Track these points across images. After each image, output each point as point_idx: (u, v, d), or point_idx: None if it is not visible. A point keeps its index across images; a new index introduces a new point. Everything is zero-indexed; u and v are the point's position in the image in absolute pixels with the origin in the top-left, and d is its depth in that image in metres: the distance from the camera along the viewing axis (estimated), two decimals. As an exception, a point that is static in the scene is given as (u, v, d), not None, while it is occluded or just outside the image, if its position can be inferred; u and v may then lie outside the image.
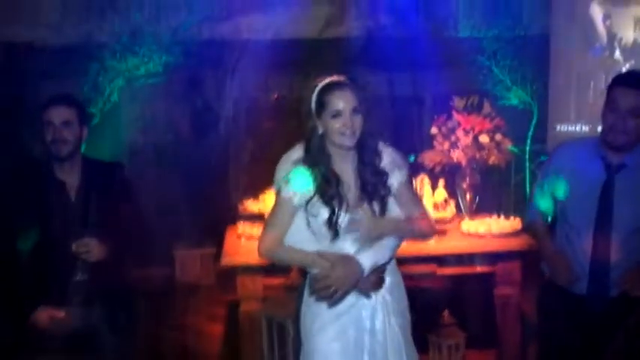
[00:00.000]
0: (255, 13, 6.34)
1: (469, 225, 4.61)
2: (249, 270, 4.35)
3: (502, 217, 4.75)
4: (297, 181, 2.69)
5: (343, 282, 2.66)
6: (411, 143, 6.23)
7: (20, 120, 5.79)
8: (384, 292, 2.81)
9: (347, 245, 2.75)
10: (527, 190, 6.83)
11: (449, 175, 4.95)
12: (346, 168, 2.76)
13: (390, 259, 2.84)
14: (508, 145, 4.94)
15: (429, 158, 4.93)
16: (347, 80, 2.73)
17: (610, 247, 3.01)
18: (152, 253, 4.68)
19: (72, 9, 6.15)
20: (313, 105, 2.68)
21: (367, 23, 6.70)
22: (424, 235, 2.96)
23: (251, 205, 4.97)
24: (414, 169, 4.96)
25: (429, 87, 7.24)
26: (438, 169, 4.91)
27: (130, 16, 6.17)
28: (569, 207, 3.13)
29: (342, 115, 2.64)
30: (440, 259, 4.48)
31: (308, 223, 2.74)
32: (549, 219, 3.38)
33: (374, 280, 2.76)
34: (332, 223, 2.69)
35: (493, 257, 4.50)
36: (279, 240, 2.76)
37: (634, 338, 3.04)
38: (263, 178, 6.45)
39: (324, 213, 2.69)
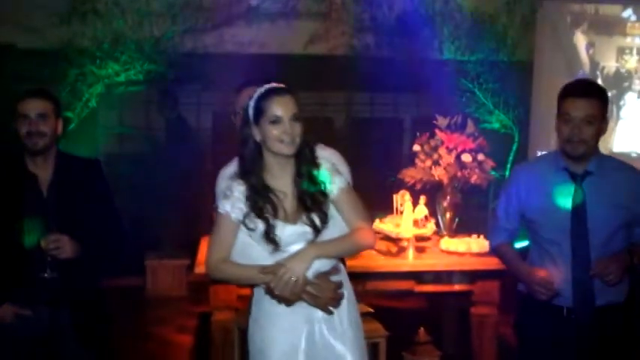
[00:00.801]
0: (240, 26, 6.31)
1: (449, 243, 4.56)
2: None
3: (482, 237, 4.70)
4: (232, 195, 2.60)
5: (299, 268, 2.53)
6: (391, 162, 6.21)
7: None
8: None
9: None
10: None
11: (429, 193, 4.90)
12: (284, 178, 2.66)
13: (339, 257, 2.73)
14: (490, 166, 4.91)
15: (409, 175, 4.88)
16: (286, 87, 2.64)
17: (589, 255, 2.98)
18: (124, 260, 4.62)
19: (54, 13, 6.06)
20: (251, 111, 2.59)
21: (351, 42, 6.70)
22: (362, 249, 2.82)
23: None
24: (395, 186, 4.94)
25: (409, 108, 7.26)
26: (418, 186, 4.86)
27: (112, 23, 6.10)
28: (541, 223, 3.10)
29: (281, 122, 2.55)
30: (418, 276, 4.42)
31: (251, 237, 2.63)
32: (514, 242, 3.35)
33: (332, 295, 2.65)
34: (268, 236, 2.58)
35: (472, 276, 4.44)
36: (224, 258, 2.65)
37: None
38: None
39: (260, 226, 2.59)
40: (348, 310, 2.72)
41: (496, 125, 6.54)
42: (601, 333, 3.01)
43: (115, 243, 3.33)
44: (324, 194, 2.66)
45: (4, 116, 3.27)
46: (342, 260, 2.83)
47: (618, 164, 3.15)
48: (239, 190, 2.60)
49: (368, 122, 7.67)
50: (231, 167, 2.78)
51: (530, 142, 6.63)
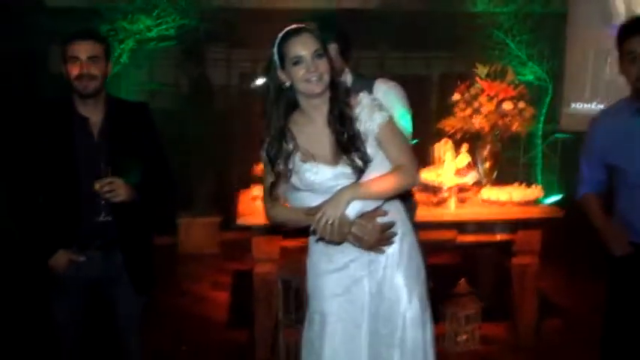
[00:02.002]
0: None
1: (490, 192, 4.52)
2: (264, 231, 4.24)
3: (523, 185, 4.66)
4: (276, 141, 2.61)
5: (333, 211, 2.49)
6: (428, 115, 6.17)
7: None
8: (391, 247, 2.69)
9: None
10: (539, 168, 6.78)
11: (468, 142, 4.83)
12: (320, 120, 2.64)
13: (380, 198, 2.65)
14: (530, 114, 4.84)
15: (449, 125, 4.82)
16: (304, 26, 2.60)
17: None
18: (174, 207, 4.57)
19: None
20: (276, 58, 2.57)
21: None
22: (402, 187, 2.70)
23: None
24: (435, 136, 4.89)
25: (441, 62, 7.17)
26: (458, 135, 4.81)
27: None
28: (626, 168, 3.07)
29: (303, 61, 2.51)
30: (460, 226, 4.38)
31: (298, 180, 2.64)
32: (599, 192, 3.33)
33: (378, 236, 2.62)
34: (317, 178, 2.58)
35: (514, 226, 4.41)
36: (277, 202, 2.71)
37: None
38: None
39: (307, 169, 2.60)
40: (400, 247, 2.70)
41: (530, 77, 6.44)
42: None
43: (166, 188, 3.31)
44: (362, 133, 2.61)
45: (40, 75, 3.22)
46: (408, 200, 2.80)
47: None
48: (279, 135, 2.61)
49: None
50: None
51: (564, 94, 6.55)
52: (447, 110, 4.95)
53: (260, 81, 7.26)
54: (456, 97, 4.88)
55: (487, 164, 4.84)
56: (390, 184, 2.60)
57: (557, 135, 6.81)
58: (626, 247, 3.03)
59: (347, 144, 2.59)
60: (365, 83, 3.07)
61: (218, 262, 6.34)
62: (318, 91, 2.56)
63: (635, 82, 2.95)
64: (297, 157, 2.61)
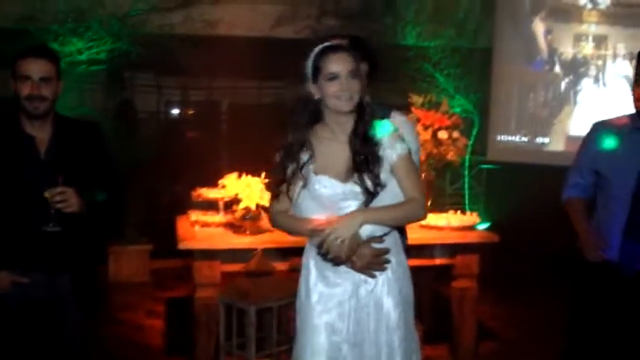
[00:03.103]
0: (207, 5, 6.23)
1: (428, 218, 4.57)
2: (206, 255, 4.20)
3: (459, 212, 4.78)
4: (294, 148, 2.65)
5: (345, 230, 2.51)
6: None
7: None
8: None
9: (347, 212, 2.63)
10: (466, 197, 6.95)
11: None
12: (342, 136, 2.65)
13: (389, 226, 2.74)
14: (464, 144, 4.99)
15: (386, 152, 4.90)
16: (345, 44, 2.66)
17: None
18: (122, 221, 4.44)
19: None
20: (309, 70, 2.59)
21: (314, 24, 6.70)
22: (412, 220, 2.80)
23: (206, 193, 4.82)
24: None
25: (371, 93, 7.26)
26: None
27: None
28: (612, 178, 3.18)
29: (338, 78, 2.55)
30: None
31: (307, 192, 2.66)
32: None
33: (373, 261, 2.63)
34: (327, 192, 2.61)
35: (452, 250, 4.51)
36: (283, 209, 2.71)
37: None
38: (211, 169, 6.45)
39: (318, 181, 2.62)
40: (394, 279, 2.70)
41: (457, 110, 6.59)
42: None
43: (116, 203, 3.22)
44: (380, 158, 2.63)
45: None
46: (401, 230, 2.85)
47: None
48: (298, 143, 2.64)
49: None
50: None
51: (490, 126, 6.77)
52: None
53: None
54: (393, 125, 4.97)
55: (423, 191, 4.93)
56: (402, 214, 2.66)
57: (483, 166, 7.01)
58: (599, 255, 3.11)
59: (362, 164, 2.61)
60: (382, 110, 3.04)
61: (150, 290, 6.21)
62: (347, 109, 2.58)
63: (635, 102, 3.10)
64: (310, 168, 2.63)
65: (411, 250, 4.41)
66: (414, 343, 2.79)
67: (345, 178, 2.62)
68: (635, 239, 3.08)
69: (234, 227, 4.39)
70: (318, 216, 2.60)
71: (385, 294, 2.67)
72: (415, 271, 4.87)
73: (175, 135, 7.80)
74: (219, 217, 4.52)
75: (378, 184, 2.63)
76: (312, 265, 2.73)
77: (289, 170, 2.64)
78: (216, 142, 7.65)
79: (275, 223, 2.78)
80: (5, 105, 3.09)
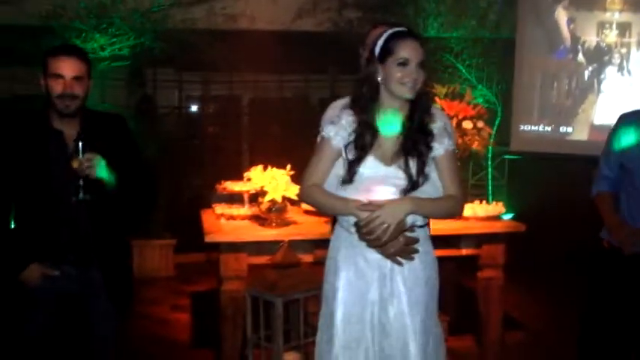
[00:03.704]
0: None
1: (453, 208, 4.59)
2: (232, 248, 4.21)
3: (484, 202, 4.76)
4: (339, 122, 2.64)
5: (392, 217, 2.52)
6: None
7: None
8: (407, 267, 2.67)
9: (381, 197, 2.62)
10: (489, 188, 6.92)
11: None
12: (395, 121, 2.65)
13: (427, 216, 2.73)
14: (488, 133, 4.97)
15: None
16: (417, 33, 2.67)
17: None
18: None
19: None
20: (378, 50, 2.59)
21: (335, 17, 6.69)
22: (452, 216, 2.86)
23: (232, 186, 4.83)
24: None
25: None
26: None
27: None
28: (635, 170, 3.16)
29: (408, 65, 2.55)
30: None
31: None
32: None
33: (402, 248, 2.63)
34: (349, 168, 2.61)
35: (478, 240, 4.48)
36: (319, 182, 2.69)
37: None
38: (233, 163, 6.46)
39: (357, 159, 2.61)
40: (422, 267, 2.71)
41: (479, 100, 6.56)
42: None
43: (146, 187, 3.22)
44: (428, 147, 2.64)
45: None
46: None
47: None
48: (347, 119, 2.64)
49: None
50: (344, 100, 2.86)
51: (513, 116, 6.73)
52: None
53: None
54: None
55: (448, 182, 4.92)
56: (445, 210, 2.72)
57: (506, 156, 6.97)
58: (635, 246, 3.08)
59: (412, 149, 2.62)
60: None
61: (174, 284, 6.25)
62: (410, 96, 2.59)
63: None
64: (354, 146, 2.62)
65: (437, 241, 4.39)
66: (436, 328, 2.78)
67: (389, 162, 2.63)
68: None
69: (260, 220, 4.39)
70: (349, 196, 2.60)
71: (412, 288, 2.67)
72: (440, 262, 4.99)
73: (197, 130, 7.83)
74: (245, 210, 4.52)
75: (422, 173, 2.64)
76: (342, 248, 2.72)
77: (338, 143, 2.63)
78: (237, 136, 7.68)
79: (306, 196, 2.74)
80: (30, 102, 3.11)
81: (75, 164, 2.86)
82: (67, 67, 2.94)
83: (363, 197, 2.59)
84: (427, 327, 2.70)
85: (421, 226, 2.69)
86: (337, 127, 2.64)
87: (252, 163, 4.57)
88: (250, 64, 6.65)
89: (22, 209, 3.03)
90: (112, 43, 5.90)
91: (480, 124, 4.91)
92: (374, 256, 2.65)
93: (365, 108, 2.63)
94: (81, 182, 2.90)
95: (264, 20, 6.35)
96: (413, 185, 2.61)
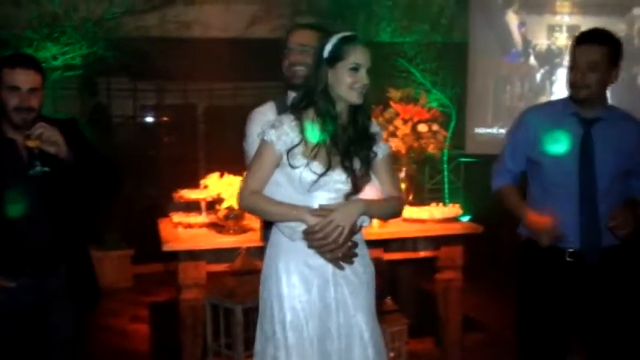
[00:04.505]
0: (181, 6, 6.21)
1: (411, 211, 4.63)
2: (191, 256, 4.18)
3: (441, 204, 4.80)
4: (281, 127, 2.58)
5: (346, 219, 2.52)
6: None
7: None
8: (349, 270, 2.65)
9: (321, 202, 2.60)
10: (446, 191, 6.99)
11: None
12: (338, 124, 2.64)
13: (374, 217, 2.77)
14: (443, 136, 5.02)
15: (367, 148, 4.92)
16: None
17: (596, 197, 3.06)
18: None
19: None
20: (327, 54, 2.57)
21: (288, 23, 6.68)
22: (396, 216, 2.88)
23: (188, 194, 4.80)
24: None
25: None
26: (375, 158, 4.91)
27: (46, 5, 5.86)
28: (548, 165, 3.15)
29: (359, 71, 2.55)
30: (384, 245, 4.45)
31: (285, 176, 2.61)
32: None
33: (346, 252, 2.61)
34: (311, 176, 2.56)
35: (436, 242, 4.53)
36: (260, 187, 2.63)
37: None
38: (189, 172, 6.41)
39: (302, 164, 2.57)
40: (363, 271, 2.71)
41: (434, 104, 6.61)
42: (606, 275, 3.10)
43: (105, 167, 3.10)
44: (371, 149, 2.66)
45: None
46: None
47: (626, 114, 3.21)
48: (290, 124, 2.58)
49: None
50: (268, 105, 2.95)
51: (467, 119, 6.81)
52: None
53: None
54: (372, 120, 4.99)
55: (404, 186, 4.95)
56: (391, 210, 2.76)
57: (461, 159, 7.05)
58: (556, 236, 3.04)
59: (357, 152, 2.62)
60: None
61: (133, 295, 6.18)
62: (359, 101, 2.58)
63: (569, 86, 3.09)
64: (297, 151, 2.58)
65: (394, 244, 4.53)
66: (379, 329, 2.78)
67: (333, 166, 2.60)
68: (593, 226, 3.07)
69: (217, 227, 4.38)
70: (288, 201, 2.58)
71: (356, 296, 2.65)
72: (397, 265, 5.04)
73: (152, 139, 7.77)
74: (202, 218, 4.50)
75: (367, 176, 2.65)
76: (281, 254, 2.66)
77: (280, 149, 2.58)
78: (193, 144, 7.63)
79: (246, 203, 2.66)
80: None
81: (28, 142, 2.78)
82: (24, 80, 2.89)
83: (305, 202, 2.58)
84: (374, 328, 2.71)
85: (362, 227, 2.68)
86: (279, 132, 2.58)
87: (209, 171, 4.56)
88: (205, 72, 6.63)
89: None
90: (65, 52, 5.82)
91: (435, 127, 4.94)
92: (317, 262, 2.61)
93: (322, 115, 2.59)
94: (36, 152, 2.81)
95: (217, 28, 6.33)
96: (356, 189, 2.62)
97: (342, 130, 2.64)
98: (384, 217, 2.89)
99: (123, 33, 6.04)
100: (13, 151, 2.96)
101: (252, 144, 2.86)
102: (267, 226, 2.85)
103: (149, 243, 4.70)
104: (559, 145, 3.10)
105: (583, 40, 3.05)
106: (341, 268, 2.62)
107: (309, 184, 2.57)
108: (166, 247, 4.16)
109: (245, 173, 2.73)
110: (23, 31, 5.70)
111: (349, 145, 2.63)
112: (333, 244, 2.55)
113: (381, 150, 2.70)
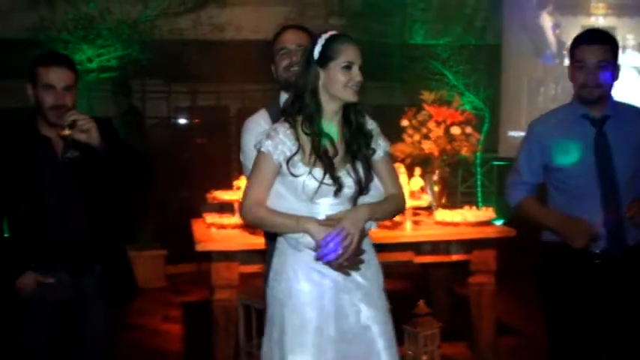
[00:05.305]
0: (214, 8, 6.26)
1: (444, 214, 4.61)
2: (224, 257, 4.20)
3: (474, 207, 4.77)
4: (277, 136, 2.53)
5: (354, 227, 2.47)
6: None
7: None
8: (358, 275, 2.60)
9: (324, 211, 2.55)
10: (479, 194, 6.94)
11: (417, 167, 4.93)
12: (332, 125, 2.60)
13: (380, 219, 2.67)
14: (477, 138, 4.99)
15: (399, 150, 4.91)
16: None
17: (618, 194, 3.03)
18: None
19: (19, -2, 5.91)
20: (317, 54, 2.52)
21: (321, 25, 6.70)
22: (399, 213, 2.88)
23: (221, 195, 4.83)
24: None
25: (379, 93, 7.30)
26: (408, 160, 4.90)
27: (80, 7, 5.94)
28: (567, 170, 3.12)
29: (351, 68, 2.51)
30: (416, 248, 4.44)
31: (286, 186, 2.56)
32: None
33: (357, 258, 2.55)
34: (333, 177, 2.51)
35: (469, 246, 4.49)
36: (262, 200, 2.56)
37: None
38: (222, 173, 6.45)
39: (304, 172, 2.52)
40: (372, 274, 2.65)
41: (467, 107, 6.59)
42: (634, 273, 3.07)
43: (138, 160, 3.08)
44: (370, 148, 2.62)
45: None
46: None
47: (633, 107, 3.21)
48: (285, 132, 2.53)
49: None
50: (261, 113, 2.90)
51: (500, 122, 6.76)
52: (391, 138, 5.02)
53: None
54: (405, 123, 4.98)
55: (436, 188, 4.93)
56: (394, 209, 2.70)
57: (494, 162, 7.00)
58: (592, 235, 2.99)
59: (357, 152, 2.59)
60: None
61: (166, 295, 6.23)
62: (354, 99, 2.54)
63: (580, 88, 3.07)
64: (296, 159, 2.53)
65: (427, 247, 4.51)
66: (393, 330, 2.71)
67: (336, 167, 2.55)
68: (618, 223, 3.03)
69: (250, 228, 4.38)
70: (297, 212, 2.52)
71: (368, 302, 2.60)
72: (430, 268, 5.01)
73: (185, 140, 7.83)
74: (235, 219, 4.51)
75: (370, 176, 2.60)
76: (285, 260, 2.62)
77: (278, 158, 2.52)
78: (226, 146, 7.67)
79: (250, 217, 2.59)
80: (17, 115, 3.10)
81: (64, 131, 2.78)
82: (58, 78, 2.91)
83: (309, 210, 2.54)
84: (387, 331, 2.65)
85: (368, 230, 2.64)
86: (276, 141, 2.52)
87: (242, 173, 4.57)
88: (237, 73, 6.66)
89: (14, 218, 3.01)
90: (100, 55, 5.90)
91: (469, 129, 4.92)
92: (325, 268, 2.55)
93: (316, 117, 2.55)
94: (69, 139, 2.80)
95: (250, 30, 6.36)
96: (360, 191, 2.58)
97: (340, 130, 2.60)
98: (389, 217, 2.78)
99: (157, 35, 6.09)
100: (49, 149, 2.99)
101: (248, 156, 2.77)
102: (271, 234, 2.79)
103: (182, 243, 4.73)
104: (574, 148, 3.08)
105: (591, 40, 3.06)
106: (347, 274, 2.56)
107: (313, 192, 2.52)
108: (199, 248, 4.18)
109: (245, 186, 2.66)
110: (58, 34, 5.78)
111: (351, 145, 2.59)
112: (345, 253, 2.48)
113: (380, 147, 2.64)
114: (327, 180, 2.51)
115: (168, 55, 6.03)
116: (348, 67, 2.50)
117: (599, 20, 6.51)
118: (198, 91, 7.55)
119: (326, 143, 2.55)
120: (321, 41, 2.52)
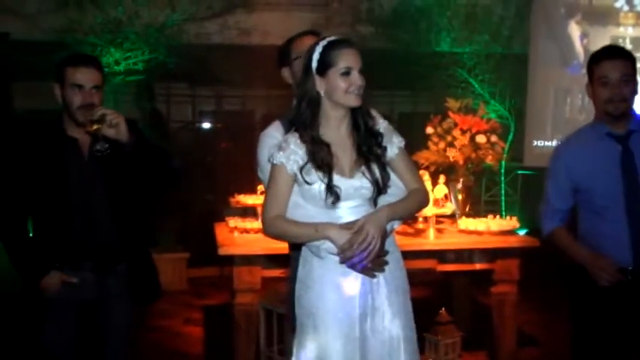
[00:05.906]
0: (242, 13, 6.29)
1: (467, 222, 4.58)
2: (246, 261, 4.21)
3: (497, 216, 4.74)
4: (288, 147, 2.53)
5: (377, 230, 2.44)
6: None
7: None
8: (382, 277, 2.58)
9: (345, 215, 2.55)
10: (502, 204, 6.90)
11: (441, 175, 4.91)
12: (342, 131, 2.59)
13: (402, 218, 2.66)
14: (502, 147, 4.96)
15: (424, 157, 4.90)
16: (352, 40, 2.61)
17: None
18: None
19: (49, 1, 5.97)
20: (315, 63, 2.52)
21: (348, 32, 6.70)
22: (422, 209, 2.82)
23: (244, 199, 4.84)
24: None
25: (404, 100, 7.28)
26: (432, 168, 4.88)
27: (109, 11, 6.00)
28: (595, 190, 3.09)
29: (351, 73, 2.49)
30: (439, 256, 4.42)
31: (303, 195, 2.55)
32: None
33: (381, 260, 2.54)
34: (330, 187, 2.49)
35: (492, 255, 4.46)
36: (281, 212, 2.56)
37: None
38: (245, 178, 6.46)
39: (318, 179, 2.51)
40: (397, 276, 2.64)
41: (492, 115, 6.57)
42: None
43: (165, 157, 3.09)
44: (382, 148, 2.60)
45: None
46: None
47: None
48: (296, 142, 2.52)
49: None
50: (274, 125, 2.80)
51: (526, 131, 6.72)
52: (415, 146, 5.02)
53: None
54: (430, 130, 4.97)
55: (460, 196, 4.91)
56: (416, 206, 2.66)
57: (519, 171, 6.96)
58: (614, 276, 2.99)
59: (369, 154, 2.57)
60: None
61: (187, 298, 6.26)
62: (357, 104, 2.53)
63: (605, 104, 3.03)
64: (309, 166, 2.52)
65: (450, 255, 4.49)
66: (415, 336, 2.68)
67: (350, 174, 2.55)
68: None
69: (273, 236, 4.39)
70: (316, 219, 2.51)
71: (390, 302, 2.59)
72: (453, 277, 4.99)
73: (210, 144, 7.86)
74: (258, 223, 4.52)
75: (386, 176, 2.59)
76: (311, 268, 2.61)
77: (292, 168, 2.52)
78: (250, 150, 7.66)
79: (272, 230, 2.58)
80: (45, 116, 3.13)
81: (92, 127, 2.80)
82: (87, 78, 2.94)
83: (329, 216, 2.52)
84: (411, 336, 2.64)
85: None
86: (288, 152, 2.52)
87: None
88: (263, 79, 6.67)
89: (39, 217, 3.04)
90: (127, 58, 5.94)
91: (494, 138, 4.90)
92: (350, 272, 2.54)
93: (311, 125, 2.54)
94: (99, 134, 2.81)
95: (277, 35, 6.32)
96: (379, 191, 2.56)
97: (349, 136, 2.59)
98: (412, 214, 2.75)
99: (184, 39, 6.13)
100: (75, 149, 3.02)
101: (265, 169, 2.72)
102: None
103: (205, 247, 4.75)
104: (601, 168, 3.06)
105: (613, 55, 3.04)
106: (373, 276, 2.55)
107: (337, 195, 2.51)
108: (222, 251, 4.19)
109: (263, 201, 2.66)
110: (86, 37, 5.83)
111: (361, 147, 2.58)
112: (370, 257, 2.47)
113: (394, 145, 2.62)
114: (337, 185, 2.50)
115: (194, 59, 6.06)
116: (347, 72, 2.49)
117: (629, 30, 6.45)
118: (224, 96, 7.59)
119: (322, 150, 2.53)
120: (318, 49, 2.51)
